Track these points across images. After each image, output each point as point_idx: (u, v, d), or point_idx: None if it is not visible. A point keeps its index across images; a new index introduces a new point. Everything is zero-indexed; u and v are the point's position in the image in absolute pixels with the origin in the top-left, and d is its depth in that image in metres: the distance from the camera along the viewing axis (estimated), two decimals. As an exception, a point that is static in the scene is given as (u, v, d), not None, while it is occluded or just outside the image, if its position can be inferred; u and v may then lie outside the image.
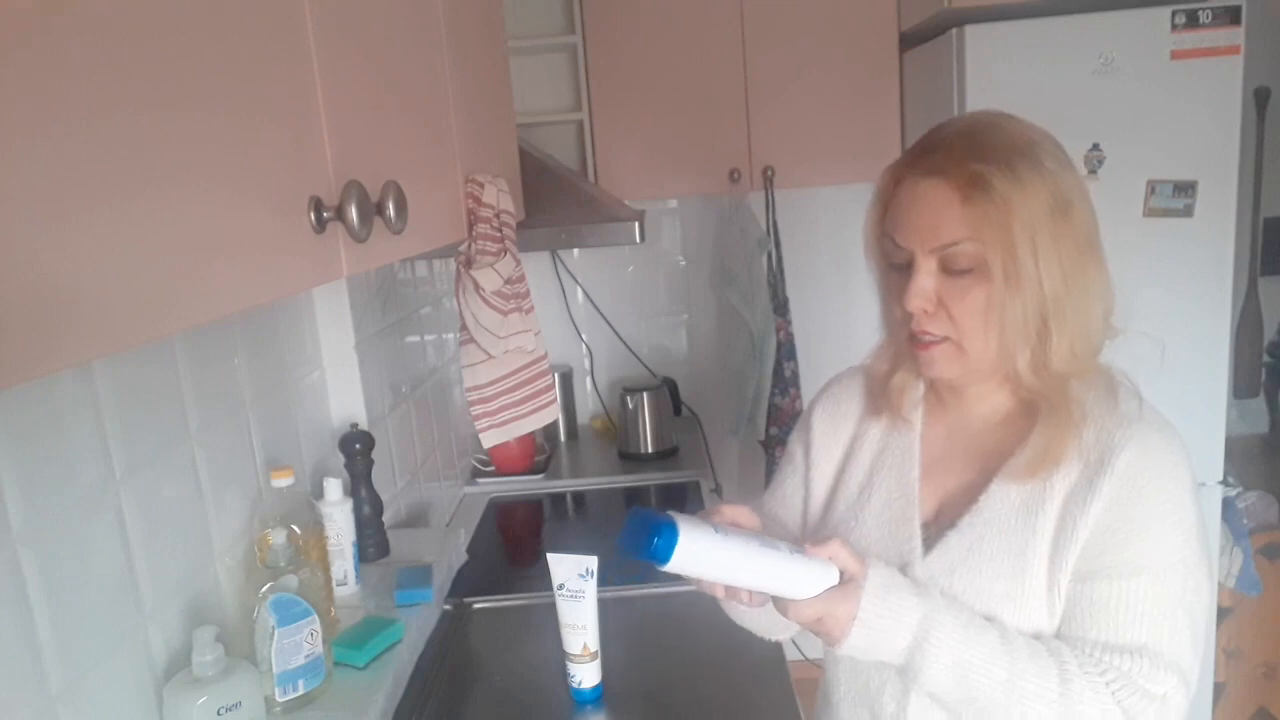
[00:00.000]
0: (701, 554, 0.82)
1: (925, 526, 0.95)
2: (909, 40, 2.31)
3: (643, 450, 2.37)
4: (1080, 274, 0.86)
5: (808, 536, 1.04)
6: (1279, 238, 2.53)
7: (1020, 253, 0.83)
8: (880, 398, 1.02)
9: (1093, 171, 1.94)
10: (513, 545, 2.01)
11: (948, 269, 0.86)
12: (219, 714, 0.95)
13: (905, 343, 0.92)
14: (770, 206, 2.42)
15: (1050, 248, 0.83)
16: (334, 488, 1.36)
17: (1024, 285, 0.84)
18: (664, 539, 0.80)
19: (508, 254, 1.29)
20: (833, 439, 1.07)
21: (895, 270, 0.91)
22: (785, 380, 2.49)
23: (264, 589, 1.05)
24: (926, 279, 0.87)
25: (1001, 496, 0.90)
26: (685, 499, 2.13)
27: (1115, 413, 0.89)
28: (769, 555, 0.82)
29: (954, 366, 0.90)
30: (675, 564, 0.81)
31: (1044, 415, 0.89)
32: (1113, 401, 0.90)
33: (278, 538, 1.09)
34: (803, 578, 0.83)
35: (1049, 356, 0.87)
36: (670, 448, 2.39)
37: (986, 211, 0.83)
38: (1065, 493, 0.88)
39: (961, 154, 0.85)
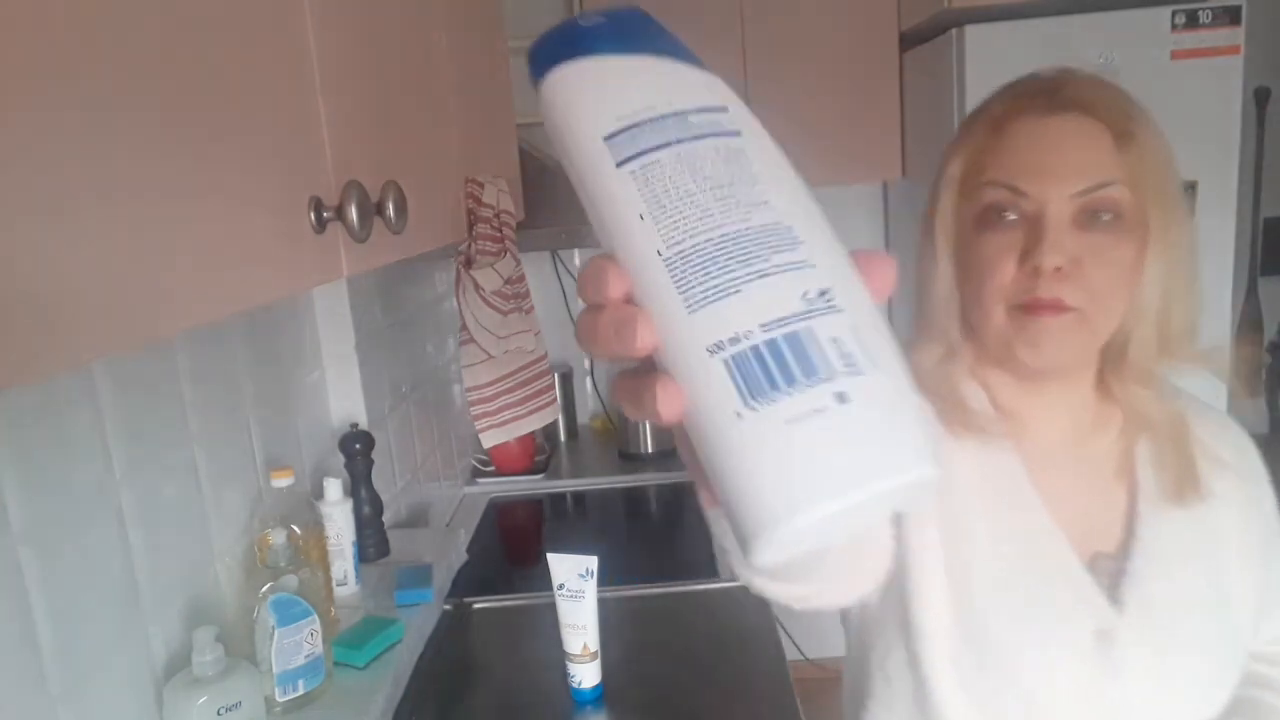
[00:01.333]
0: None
1: (1089, 570, 0.76)
2: (909, 40, 2.31)
3: (643, 450, 2.36)
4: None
5: (938, 638, 0.75)
6: (1279, 238, 2.53)
7: (1172, 206, 0.72)
8: (948, 401, 0.78)
9: (1093, 171, 1.94)
10: (513, 545, 2.01)
11: (1084, 221, 0.71)
12: (219, 714, 0.95)
13: (1003, 323, 0.74)
14: (770, 206, 2.42)
15: (1188, 219, 0.74)
16: (334, 488, 1.36)
17: (1171, 247, 0.72)
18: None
19: (508, 254, 1.29)
20: None
21: (999, 231, 0.74)
22: (785, 380, 2.48)
23: (264, 589, 1.05)
24: (1065, 232, 0.71)
25: (1168, 525, 0.76)
26: (685, 499, 2.13)
27: (1185, 401, 0.79)
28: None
29: (1070, 345, 0.74)
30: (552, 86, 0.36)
31: (1144, 424, 0.77)
32: (1172, 390, 0.79)
33: (278, 538, 1.09)
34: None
35: (1170, 341, 0.74)
36: (670, 448, 2.38)
37: (1142, 153, 0.71)
38: (1238, 504, 0.77)
39: (1098, 88, 0.73)
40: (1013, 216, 0.73)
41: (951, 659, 0.74)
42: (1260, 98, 2.39)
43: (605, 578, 1.24)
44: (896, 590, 0.76)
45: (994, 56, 1.94)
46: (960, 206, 0.77)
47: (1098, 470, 0.79)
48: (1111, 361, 0.77)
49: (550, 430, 2.49)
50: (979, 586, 0.75)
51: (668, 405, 0.30)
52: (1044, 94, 0.74)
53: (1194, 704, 0.74)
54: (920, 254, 0.82)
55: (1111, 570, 0.75)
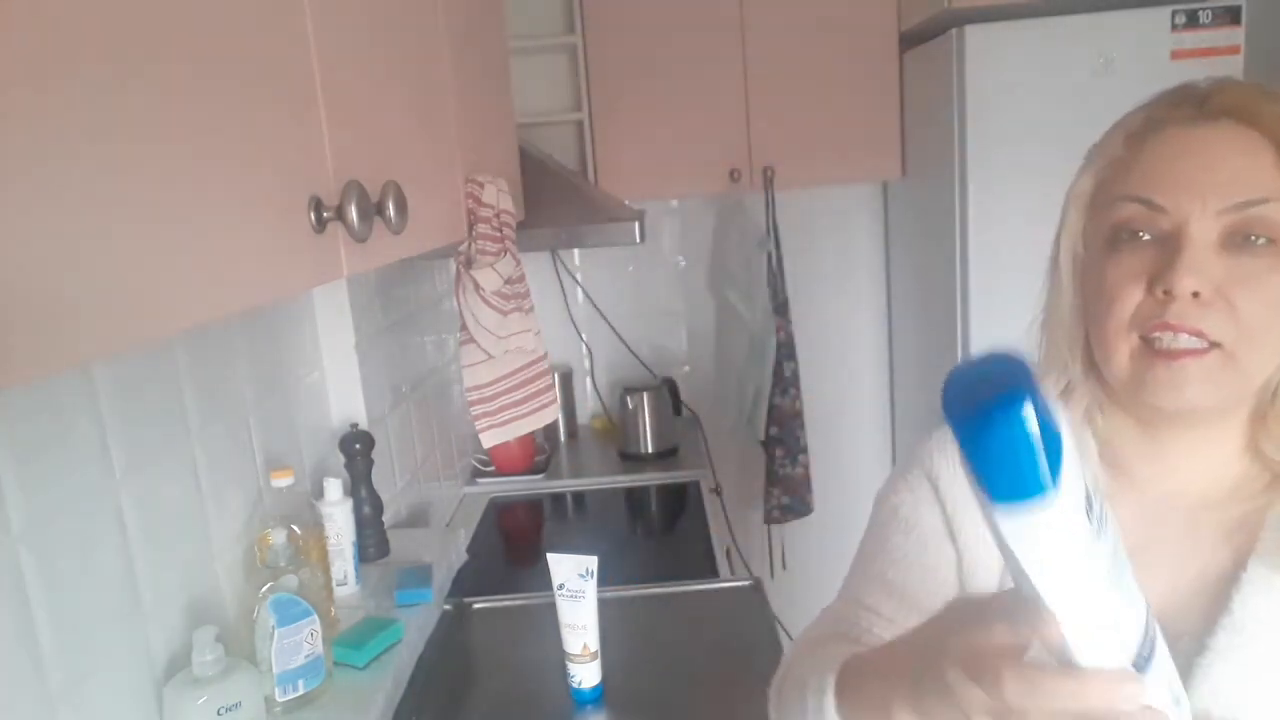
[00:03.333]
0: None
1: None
2: (909, 40, 2.31)
3: (643, 450, 2.36)
4: None
5: None
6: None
7: None
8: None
9: (1093, 171, 1.94)
10: (513, 545, 2.01)
11: (1232, 244, 0.61)
12: (219, 714, 0.95)
13: (1131, 357, 0.64)
14: (770, 206, 2.42)
15: None
16: (334, 488, 1.36)
17: None
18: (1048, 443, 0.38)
19: (508, 254, 1.29)
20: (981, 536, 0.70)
21: (1130, 252, 0.64)
22: (785, 380, 2.49)
23: (264, 589, 1.05)
24: (1205, 251, 0.61)
25: (1267, 592, 0.63)
26: (685, 499, 2.13)
27: None
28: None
29: (1215, 388, 0.62)
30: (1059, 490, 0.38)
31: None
32: None
33: (278, 538, 1.09)
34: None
35: None
36: (670, 448, 2.39)
37: None
38: None
39: (1259, 95, 0.63)
40: (1147, 236, 0.64)
41: None
42: (1260, 98, 2.39)
43: (605, 578, 1.24)
44: None
45: (994, 56, 1.94)
46: (1089, 226, 0.69)
47: (1211, 533, 0.67)
48: (1259, 412, 0.66)
49: (550, 430, 2.49)
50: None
51: None
52: (1192, 101, 0.65)
53: None
54: (1047, 280, 0.74)
55: (1189, 649, 0.64)
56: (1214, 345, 0.61)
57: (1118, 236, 0.65)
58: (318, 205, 0.68)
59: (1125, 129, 0.68)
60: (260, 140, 0.62)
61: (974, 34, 1.94)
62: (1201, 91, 0.66)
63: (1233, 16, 1.90)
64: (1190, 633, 0.65)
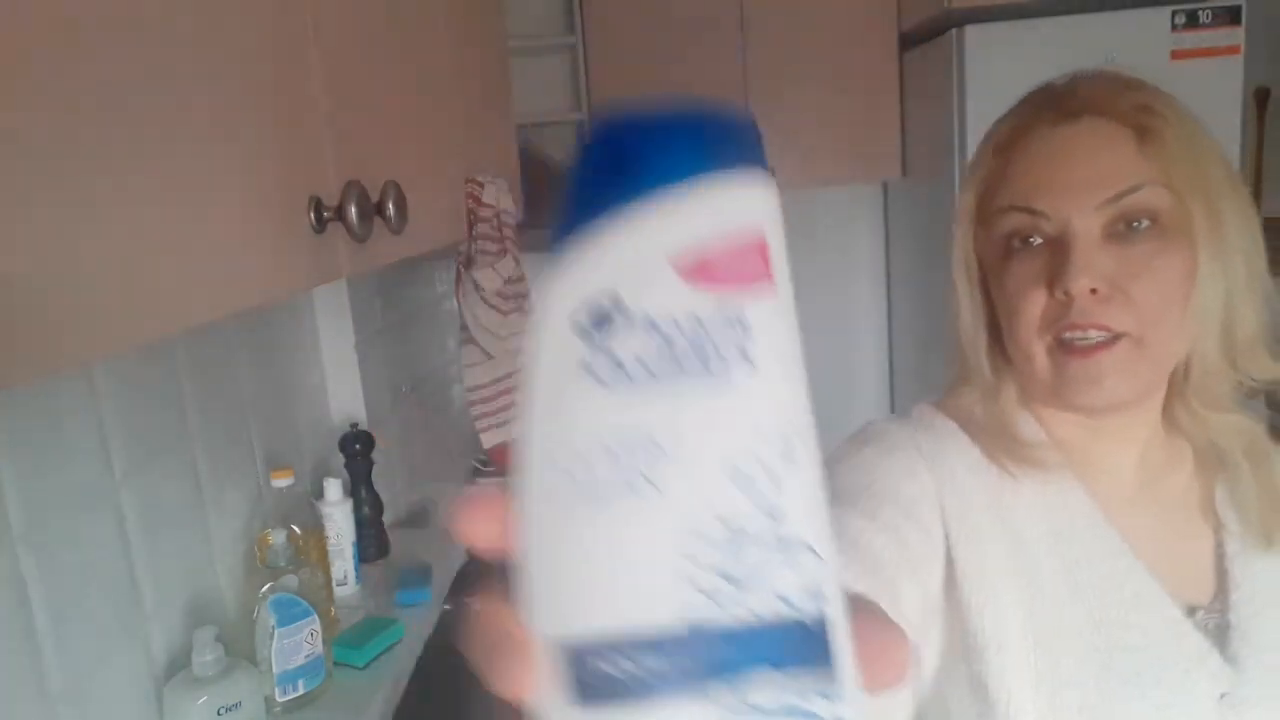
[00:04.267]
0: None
1: (1192, 620, 0.66)
2: (909, 40, 2.31)
3: (643, 450, 2.36)
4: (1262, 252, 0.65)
5: (1022, 689, 0.64)
6: (1279, 238, 2.53)
7: (1217, 199, 0.62)
8: (1009, 442, 0.69)
9: (1093, 171, 1.94)
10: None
11: (1116, 234, 0.63)
12: (219, 714, 0.95)
13: (1046, 362, 0.65)
14: (770, 206, 2.42)
15: (1245, 208, 0.64)
16: (334, 488, 1.36)
17: (1224, 246, 0.63)
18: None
19: (508, 254, 1.29)
20: (983, 545, 0.66)
21: (1024, 256, 0.66)
22: (785, 380, 2.49)
23: (264, 589, 1.05)
24: (1091, 248, 0.62)
25: (1256, 570, 0.66)
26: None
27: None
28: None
29: (1131, 376, 0.63)
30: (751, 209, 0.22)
31: (1218, 456, 0.68)
32: (1255, 415, 0.69)
33: (278, 538, 1.09)
34: None
35: (1237, 355, 0.65)
36: (670, 448, 2.38)
37: (1172, 147, 0.62)
38: None
39: (1110, 85, 0.65)
40: (1037, 241, 0.65)
41: None
42: (1260, 98, 2.39)
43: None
44: (965, 670, 0.65)
45: (994, 56, 1.94)
46: (982, 240, 0.70)
47: (1177, 510, 0.69)
48: (1175, 386, 0.68)
49: (550, 430, 2.48)
50: (1069, 651, 0.64)
51: None
52: (1050, 104, 0.67)
53: None
54: (945, 299, 0.75)
55: (1212, 625, 0.65)
56: (1121, 335, 0.63)
57: (1010, 245, 0.67)
58: (318, 205, 0.68)
59: (994, 141, 0.70)
60: (261, 140, 0.62)
61: (974, 34, 1.94)
62: (1059, 91, 0.67)
63: (1233, 16, 1.90)
64: (1202, 606, 0.66)
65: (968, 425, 0.72)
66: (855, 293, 2.70)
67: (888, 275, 2.69)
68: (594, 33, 2.33)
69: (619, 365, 0.21)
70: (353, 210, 0.69)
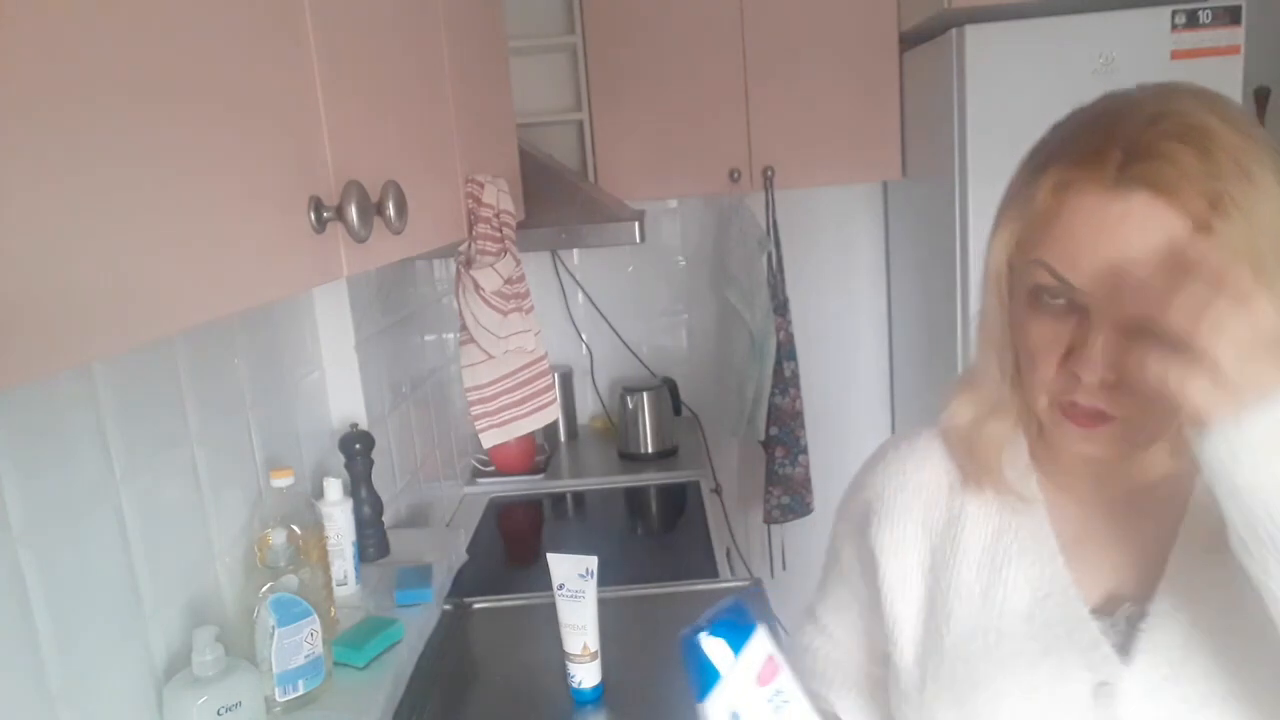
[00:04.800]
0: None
1: (1103, 623, 0.69)
2: (909, 40, 2.31)
3: (643, 450, 2.36)
4: None
5: (907, 669, 0.77)
6: None
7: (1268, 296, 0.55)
8: (977, 459, 0.75)
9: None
10: (513, 545, 2.01)
11: (1135, 330, 0.59)
12: (219, 714, 0.95)
13: (1046, 410, 0.67)
14: (770, 206, 2.42)
15: None
16: (334, 488, 1.36)
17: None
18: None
19: (508, 254, 1.29)
20: (911, 527, 0.78)
21: (1047, 310, 0.65)
22: (785, 380, 2.49)
23: (264, 589, 1.06)
24: (1113, 339, 0.60)
25: (1194, 571, 0.67)
26: (685, 499, 2.13)
27: None
28: None
29: (1120, 448, 0.66)
30: (762, 647, 0.63)
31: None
32: None
33: (278, 538, 1.09)
34: None
35: None
36: (670, 448, 2.39)
37: (1227, 242, 0.57)
38: None
39: (1187, 152, 0.58)
40: (1063, 302, 0.64)
41: (935, 699, 0.74)
42: (1260, 98, 2.39)
43: (605, 578, 1.24)
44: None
45: (994, 56, 1.94)
46: (1016, 263, 0.68)
47: (1141, 504, 0.71)
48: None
49: (550, 430, 2.49)
50: (958, 628, 0.73)
51: None
52: (1113, 161, 0.60)
53: None
54: (982, 290, 0.73)
55: (1126, 618, 0.69)
56: (1113, 418, 0.64)
57: (1038, 297, 0.65)
58: (318, 205, 0.68)
59: (1050, 179, 0.64)
60: (260, 140, 0.62)
61: (974, 34, 1.94)
62: (1126, 143, 0.60)
63: (1233, 16, 1.90)
64: (1132, 598, 0.69)
65: (950, 434, 0.78)
66: (855, 293, 2.70)
67: (888, 275, 2.69)
68: (594, 33, 2.33)
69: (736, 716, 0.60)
70: (353, 210, 0.69)
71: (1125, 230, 0.59)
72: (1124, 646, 0.67)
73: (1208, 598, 0.66)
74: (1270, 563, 0.55)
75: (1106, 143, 0.61)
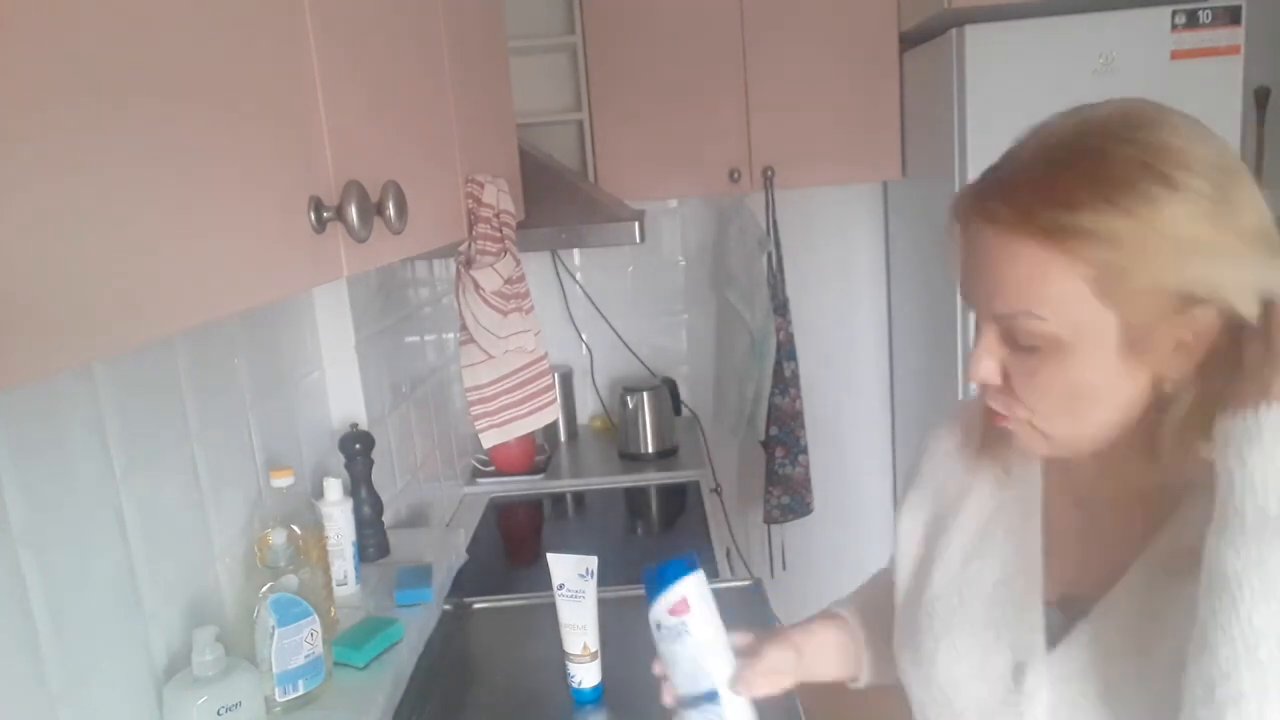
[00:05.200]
0: (709, 607, 0.84)
1: (1049, 612, 0.74)
2: (909, 40, 2.31)
3: (643, 450, 2.37)
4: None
5: (899, 609, 0.87)
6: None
7: (1140, 316, 0.62)
8: (989, 435, 0.79)
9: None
10: (513, 545, 2.01)
11: (1011, 342, 0.67)
12: (219, 714, 0.95)
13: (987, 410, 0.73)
14: (770, 206, 2.43)
15: (1204, 318, 0.62)
16: (334, 488, 1.36)
17: (1149, 356, 0.63)
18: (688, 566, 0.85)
19: (508, 254, 1.29)
20: (927, 492, 0.87)
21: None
22: (785, 380, 2.49)
23: (264, 589, 1.06)
24: (985, 351, 0.68)
25: (1147, 584, 0.69)
26: (685, 499, 2.13)
27: None
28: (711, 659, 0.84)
29: (1038, 447, 0.71)
30: (693, 589, 0.83)
31: (1191, 491, 0.68)
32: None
33: (278, 538, 1.09)
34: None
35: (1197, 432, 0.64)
36: (670, 448, 2.39)
37: (1080, 280, 0.62)
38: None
39: (1040, 191, 0.63)
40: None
41: (901, 641, 0.85)
42: (1260, 98, 2.39)
43: (605, 578, 1.24)
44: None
45: (994, 56, 1.94)
46: None
47: (1128, 532, 0.72)
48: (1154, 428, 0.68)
49: (550, 430, 2.49)
50: (935, 586, 0.82)
51: None
52: (991, 194, 0.66)
53: None
54: None
55: (1076, 612, 0.72)
56: (1016, 419, 0.70)
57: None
58: (318, 205, 0.68)
59: (958, 206, 0.71)
60: (260, 140, 0.62)
61: (974, 34, 1.94)
62: (992, 181, 0.67)
63: (1233, 16, 1.90)
64: (1086, 596, 0.72)
65: (967, 416, 0.86)
66: (855, 292, 2.70)
67: (888, 275, 2.69)
68: (594, 33, 2.33)
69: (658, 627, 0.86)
70: (353, 210, 0.69)
71: (985, 258, 0.66)
72: (1056, 638, 0.72)
73: (1145, 616, 0.68)
74: (1238, 544, 0.58)
75: (988, 173, 0.69)
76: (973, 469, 0.83)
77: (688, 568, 0.84)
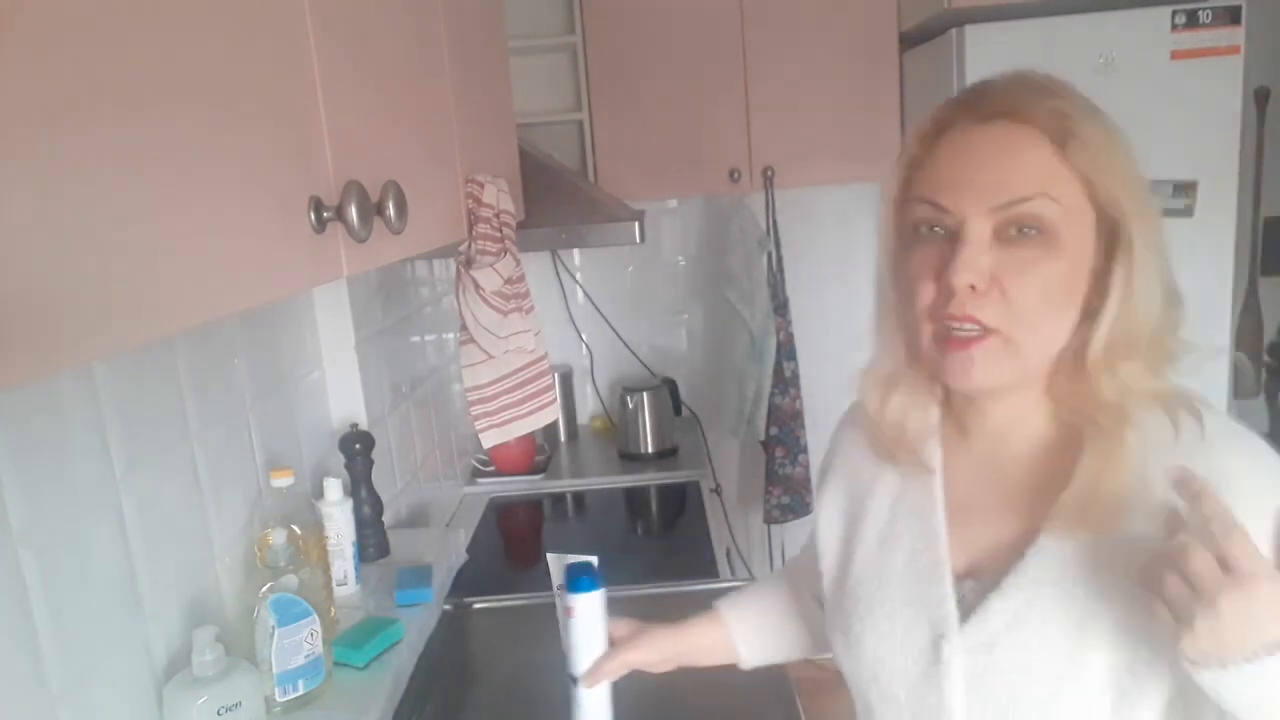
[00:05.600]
0: (594, 617, 0.99)
1: (960, 585, 0.78)
2: (909, 40, 2.31)
3: (643, 450, 2.37)
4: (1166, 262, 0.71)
5: (827, 597, 0.92)
6: (1279, 238, 2.53)
7: (1130, 207, 0.68)
8: (883, 434, 0.85)
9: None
10: (513, 545, 2.01)
11: (1005, 237, 0.69)
12: (219, 714, 0.95)
13: (930, 345, 0.73)
14: (770, 206, 2.42)
15: (1152, 218, 0.69)
16: (334, 488, 1.36)
17: (1133, 251, 0.69)
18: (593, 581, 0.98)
19: (508, 254, 1.29)
20: (841, 484, 0.93)
21: (923, 244, 0.73)
22: (785, 380, 2.49)
23: (264, 589, 1.06)
24: (979, 247, 0.69)
25: (1055, 550, 0.72)
26: (685, 499, 2.13)
27: (1176, 447, 0.69)
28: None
29: (998, 369, 0.72)
30: (582, 603, 0.97)
31: (1091, 441, 0.72)
32: (1173, 433, 0.71)
33: (278, 538, 1.09)
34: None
35: (1135, 349, 0.71)
36: (670, 448, 2.39)
37: (1085, 157, 0.68)
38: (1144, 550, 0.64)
39: (1034, 90, 0.69)
40: (939, 230, 0.72)
41: (832, 625, 0.89)
42: (1260, 98, 2.39)
43: (605, 578, 1.24)
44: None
45: (994, 56, 1.94)
46: (896, 223, 0.77)
47: (1028, 498, 0.76)
48: (1054, 379, 0.75)
49: (550, 430, 2.49)
50: (855, 572, 0.87)
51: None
52: (973, 103, 0.72)
53: None
54: (877, 282, 0.83)
55: (985, 585, 0.76)
56: (992, 331, 0.70)
57: (916, 232, 0.74)
58: (318, 205, 0.68)
59: (918, 131, 0.75)
60: (260, 140, 0.62)
61: (974, 34, 1.94)
62: (981, 92, 0.72)
63: (1233, 16, 1.90)
64: (993, 572, 0.75)
65: (864, 418, 0.89)
66: (855, 293, 2.70)
67: (888, 275, 2.69)
68: (594, 33, 2.33)
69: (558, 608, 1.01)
70: (353, 210, 0.69)
71: (984, 153, 0.70)
72: (971, 609, 0.75)
73: (1051, 583, 0.72)
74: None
75: (966, 99, 0.73)
76: (876, 462, 0.88)
77: (588, 585, 0.97)
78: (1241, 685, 0.60)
